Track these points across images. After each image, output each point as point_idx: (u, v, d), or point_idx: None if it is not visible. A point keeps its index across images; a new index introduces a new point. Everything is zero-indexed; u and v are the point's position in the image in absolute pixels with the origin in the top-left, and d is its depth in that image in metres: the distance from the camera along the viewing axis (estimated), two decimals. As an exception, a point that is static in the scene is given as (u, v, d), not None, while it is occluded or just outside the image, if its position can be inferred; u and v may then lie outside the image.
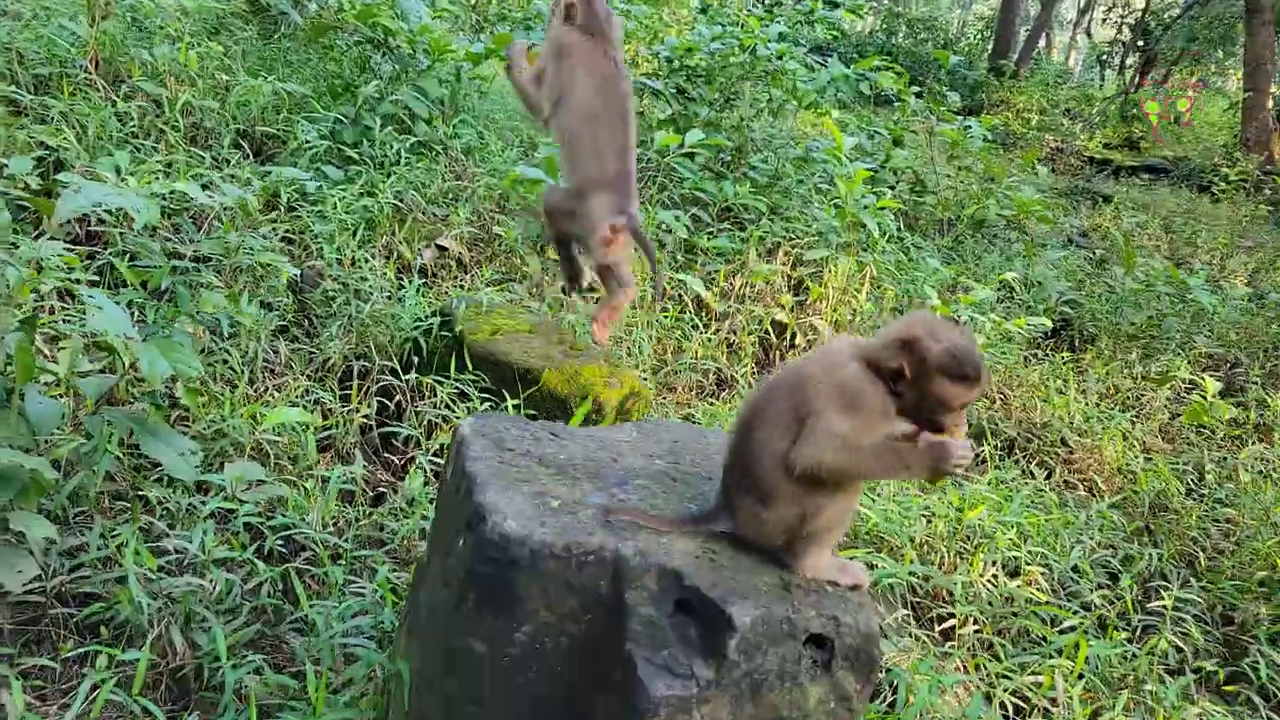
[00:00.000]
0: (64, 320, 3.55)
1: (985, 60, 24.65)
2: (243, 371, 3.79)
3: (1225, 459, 4.93)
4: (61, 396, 3.00)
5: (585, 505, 1.80)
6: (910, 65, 22.27)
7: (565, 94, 2.39)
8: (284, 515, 3.09)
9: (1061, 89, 23.87)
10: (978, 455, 1.79)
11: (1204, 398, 4.73)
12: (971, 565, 3.23)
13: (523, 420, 2.11)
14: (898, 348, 1.69)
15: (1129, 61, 26.46)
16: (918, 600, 3.25)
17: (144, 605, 2.45)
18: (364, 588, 2.86)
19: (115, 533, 2.66)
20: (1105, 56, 28.50)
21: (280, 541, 3.04)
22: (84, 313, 3.50)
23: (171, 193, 4.20)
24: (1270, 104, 16.56)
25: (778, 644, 1.65)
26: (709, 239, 5.63)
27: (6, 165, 4.15)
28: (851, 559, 2.63)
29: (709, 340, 4.99)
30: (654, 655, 1.64)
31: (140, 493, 2.95)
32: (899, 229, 6.88)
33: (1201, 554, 3.95)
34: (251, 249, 3.93)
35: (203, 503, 2.84)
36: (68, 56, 5.15)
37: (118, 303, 3.33)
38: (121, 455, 2.87)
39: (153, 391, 2.75)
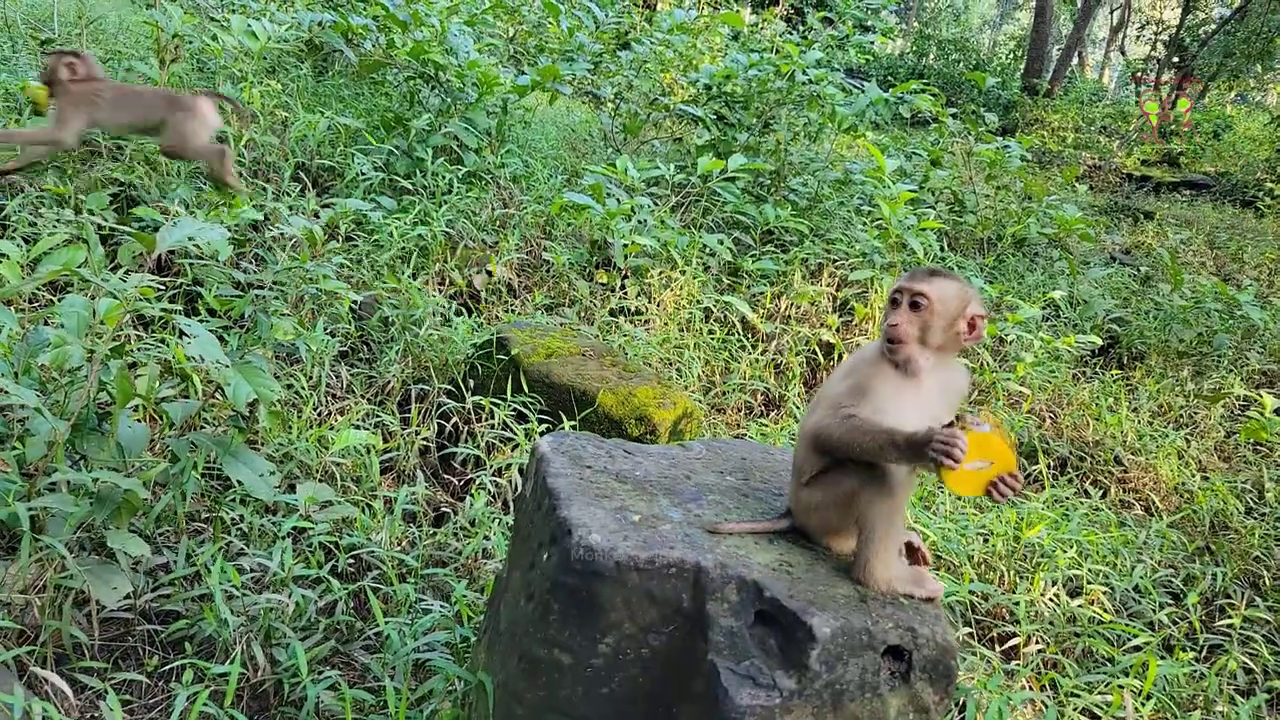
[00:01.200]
0: (139, 349, 3.70)
1: (1018, 80, 24.58)
2: (309, 396, 3.91)
3: (1284, 476, 4.86)
4: (140, 421, 3.13)
5: (665, 519, 1.86)
6: (943, 87, 22.29)
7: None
8: (351, 535, 3.18)
9: (1096, 107, 23.73)
10: (959, 447, 1.79)
11: (1261, 414, 4.67)
12: (1032, 584, 3.23)
13: (597, 438, 2.18)
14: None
15: (1165, 78, 26.20)
16: (978, 619, 3.25)
17: (228, 621, 2.53)
18: (431, 605, 2.93)
19: (198, 552, 2.76)
20: (1139, 73, 28.25)
21: (350, 561, 3.14)
22: (162, 340, 3.65)
23: (237, 224, 4.39)
24: (1314, 117, 16.30)
25: (857, 655, 1.68)
26: (753, 261, 5.69)
27: (85, 200, 4.35)
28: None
29: (756, 361, 5.04)
30: (736, 666, 1.69)
31: (218, 513, 3.05)
32: (941, 249, 6.90)
33: (1266, 573, 3.89)
34: (314, 278, 4.05)
35: (277, 523, 2.93)
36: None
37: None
38: (200, 477, 2.98)
39: (235, 415, 2.86)
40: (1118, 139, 20.97)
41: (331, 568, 3.03)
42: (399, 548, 3.27)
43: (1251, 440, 4.91)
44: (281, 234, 4.39)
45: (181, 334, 3.37)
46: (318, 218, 4.39)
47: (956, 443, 1.72)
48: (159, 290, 4.06)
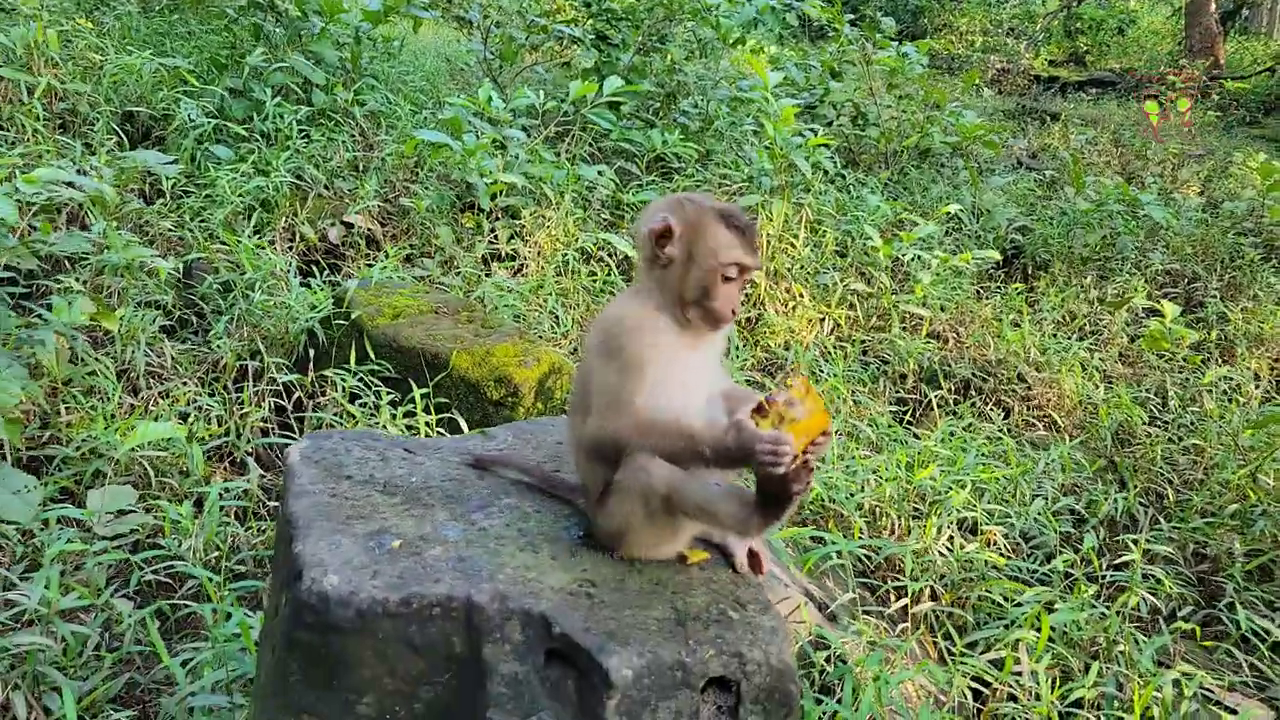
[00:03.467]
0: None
1: (927, -16, 24.14)
2: (119, 381, 3.41)
3: (1189, 380, 4.73)
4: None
5: (436, 540, 1.49)
6: (853, -6, 21.78)
7: None
8: (164, 543, 2.75)
9: (1004, 8, 23.47)
10: (812, 462, 1.45)
11: (1161, 323, 4.50)
12: (925, 530, 2.98)
13: (371, 435, 1.78)
14: (667, 207, 1.58)
15: (1071, -25, 26.06)
16: (870, 575, 3.00)
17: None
18: (248, 621, 2.54)
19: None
20: (1047, -28, 28.05)
21: (158, 575, 2.71)
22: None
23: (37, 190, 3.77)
24: (1214, 7, 16.32)
25: (669, 696, 1.35)
26: (635, 194, 5.27)
27: None
28: (795, 536, 2.36)
29: (641, 302, 4.66)
30: (522, 721, 1.35)
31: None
32: (840, 166, 6.56)
33: (1170, 489, 3.74)
34: (116, 245, 3.51)
35: (45, 544, 2.48)
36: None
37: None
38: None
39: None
40: (1025, 40, 20.80)
41: (131, 584, 2.61)
42: (219, 552, 2.85)
43: (1154, 350, 4.75)
44: (76, 202, 3.80)
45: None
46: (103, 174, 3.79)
47: (784, 448, 1.38)
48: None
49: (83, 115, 5.10)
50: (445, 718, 1.43)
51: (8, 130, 4.77)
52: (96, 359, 3.47)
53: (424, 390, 3.39)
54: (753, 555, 1.61)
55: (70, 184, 3.64)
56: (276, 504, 3.30)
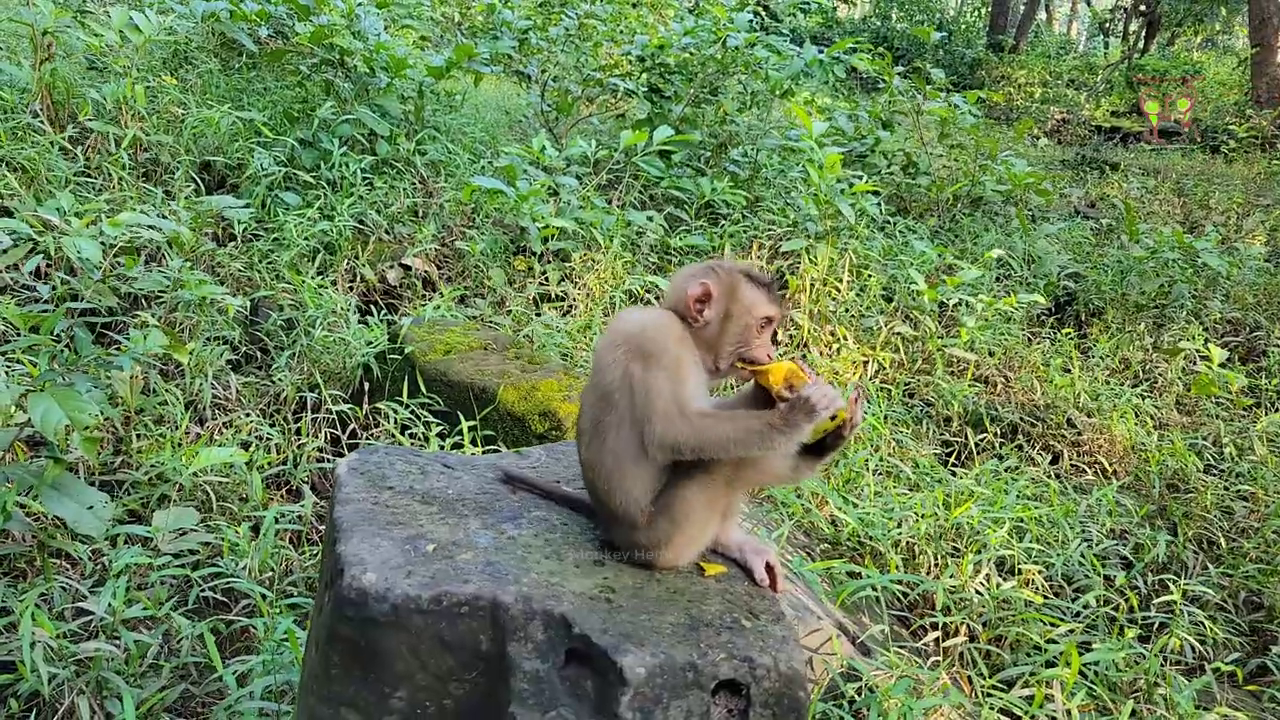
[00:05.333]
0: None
1: (984, 38, 24.25)
2: (187, 411, 3.62)
3: (1246, 429, 4.62)
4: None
5: (468, 546, 1.59)
6: (908, 48, 21.97)
7: None
8: (221, 563, 2.90)
9: (1064, 60, 23.43)
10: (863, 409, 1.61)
11: (1210, 367, 4.42)
12: (960, 567, 2.97)
13: (414, 452, 1.90)
14: (701, 274, 1.73)
15: (1132, 27, 25.93)
16: (906, 611, 3.00)
17: (44, 674, 2.26)
18: (297, 637, 2.66)
19: (21, 598, 2.48)
20: (1107, 24, 27.98)
21: (216, 592, 2.86)
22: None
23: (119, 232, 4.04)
24: (1279, 58, 16.06)
25: (681, 695, 1.42)
26: (683, 238, 5.40)
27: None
28: (829, 569, 2.40)
29: (686, 343, 4.75)
30: (541, 717, 1.42)
31: (60, 549, 2.77)
32: (889, 214, 6.62)
33: (1222, 536, 3.66)
34: (186, 283, 3.75)
35: (115, 558, 2.65)
36: (7, 103, 5.03)
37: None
38: (24, 513, 2.68)
39: (51, 444, 2.56)
40: (1085, 91, 20.69)
41: (189, 600, 2.75)
42: (272, 573, 2.99)
43: (1206, 394, 4.66)
44: (155, 244, 4.07)
45: None
46: (181, 218, 4.05)
47: (826, 389, 1.57)
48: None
49: (164, 164, 5.45)
50: (468, 714, 1.51)
51: (95, 178, 5.13)
52: (167, 389, 3.69)
53: (471, 423, 3.53)
54: (770, 570, 1.68)
55: (152, 226, 3.92)
56: (329, 529, 3.45)
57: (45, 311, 3.26)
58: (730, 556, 1.72)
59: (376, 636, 1.45)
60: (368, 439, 3.74)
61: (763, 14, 9.10)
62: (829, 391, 1.56)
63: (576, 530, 1.70)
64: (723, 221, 5.81)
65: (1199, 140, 15.66)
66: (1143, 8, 24.34)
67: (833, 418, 1.57)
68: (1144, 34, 24.06)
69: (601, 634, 1.44)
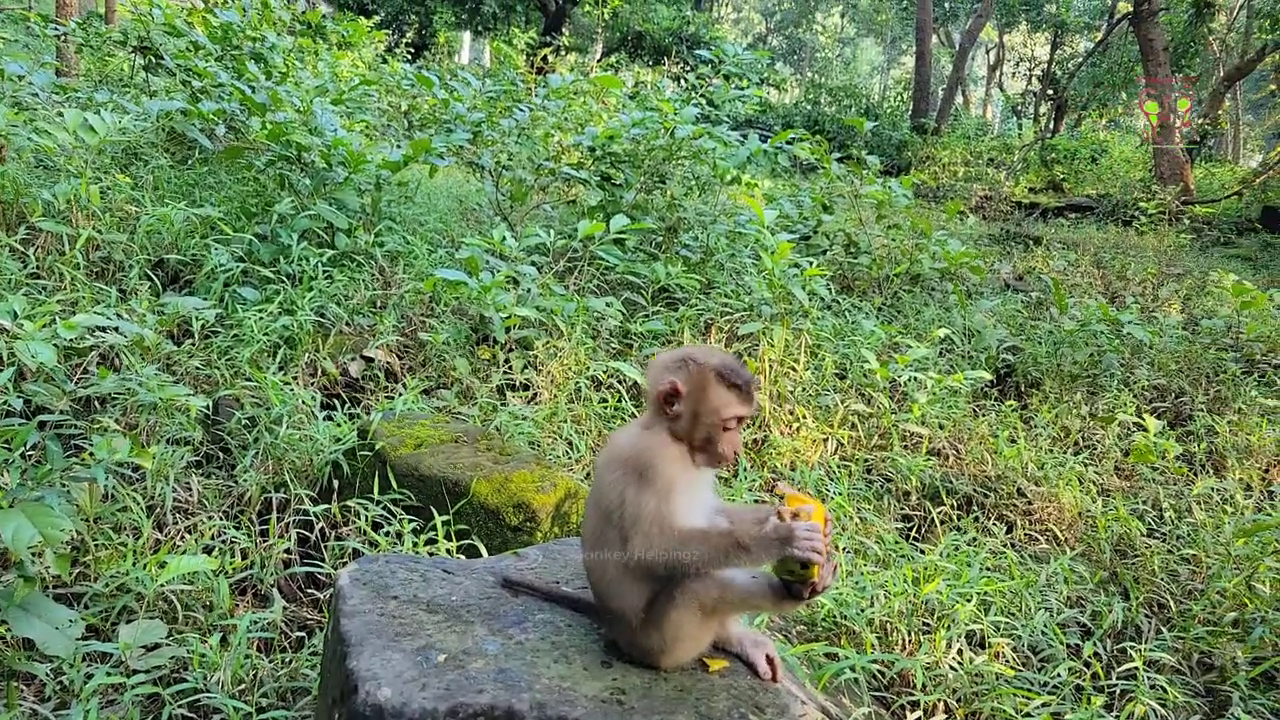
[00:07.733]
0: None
1: (908, 121, 25.54)
2: (148, 516, 3.54)
3: (1181, 493, 4.85)
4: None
5: (478, 655, 1.61)
6: (838, 131, 23.01)
7: None
8: (190, 676, 2.82)
9: (983, 140, 24.75)
10: (833, 560, 1.65)
11: (1146, 438, 4.66)
12: (934, 644, 3.05)
13: (413, 559, 1.92)
14: (673, 368, 1.75)
15: (1042, 110, 27.62)
16: (884, 690, 3.05)
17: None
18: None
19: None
20: (1019, 106, 29.74)
21: (185, 708, 2.77)
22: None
23: (73, 334, 4.00)
24: (1178, 138, 17.26)
25: (699, 797, 1.45)
26: (642, 323, 5.53)
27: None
28: (808, 652, 2.46)
29: (649, 428, 4.83)
30: (562, 825, 1.44)
31: (24, 670, 2.67)
32: (835, 293, 6.88)
33: (1171, 599, 3.81)
34: (148, 385, 3.71)
35: (87, 677, 2.57)
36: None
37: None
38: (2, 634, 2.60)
39: (20, 562, 2.50)
40: (1004, 170, 21.84)
41: (162, 719, 2.67)
42: (246, 684, 2.91)
43: (1143, 462, 4.90)
44: (109, 344, 4.03)
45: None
46: (146, 320, 4.03)
47: (816, 534, 1.56)
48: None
49: (117, 262, 5.42)
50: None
51: (47, 279, 5.07)
52: (128, 494, 3.61)
53: (445, 517, 3.53)
54: (770, 662, 1.74)
55: (115, 329, 3.88)
56: (301, 635, 3.38)
57: (13, 425, 3.19)
58: (731, 650, 1.77)
59: (395, 752, 1.46)
60: (338, 537, 3.70)
61: (704, 102, 9.52)
62: (817, 541, 1.60)
63: (581, 632, 1.74)
64: (680, 305, 5.97)
65: (1111, 214, 16.64)
66: (1050, 93, 26.00)
67: (805, 566, 1.61)
68: (1054, 116, 25.64)
69: (617, 738, 1.47)
